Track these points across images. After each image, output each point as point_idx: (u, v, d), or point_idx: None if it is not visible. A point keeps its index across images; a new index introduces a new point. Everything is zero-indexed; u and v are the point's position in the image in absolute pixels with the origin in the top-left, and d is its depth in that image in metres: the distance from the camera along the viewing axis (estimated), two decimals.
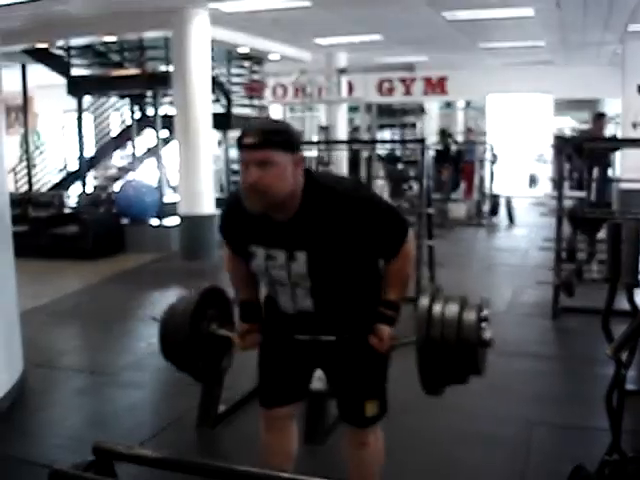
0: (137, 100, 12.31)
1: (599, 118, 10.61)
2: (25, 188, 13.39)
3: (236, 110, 12.52)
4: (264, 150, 2.20)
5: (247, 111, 13.23)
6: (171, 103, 10.50)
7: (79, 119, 12.03)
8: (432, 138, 15.10)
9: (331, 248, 2.35)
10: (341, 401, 2.71)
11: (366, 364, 2.58)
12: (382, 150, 14.58)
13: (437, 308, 2.35)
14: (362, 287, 2.54)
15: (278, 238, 2.38)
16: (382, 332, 2.50)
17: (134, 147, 12.27)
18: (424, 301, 2.39)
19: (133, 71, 11.55)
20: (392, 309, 2.53)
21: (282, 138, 2.25)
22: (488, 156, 13.96)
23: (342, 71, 13.43)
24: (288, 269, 2.40)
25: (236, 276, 2.68)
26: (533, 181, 16.05)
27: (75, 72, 11.94)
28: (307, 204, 2.33)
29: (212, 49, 10.01)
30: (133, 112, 12.48)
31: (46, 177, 13.85)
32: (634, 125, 11.56)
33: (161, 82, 10.80)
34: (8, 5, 8.31)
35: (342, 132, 14.33)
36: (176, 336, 2.63)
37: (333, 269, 2.40)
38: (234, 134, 13.48)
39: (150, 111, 11.95)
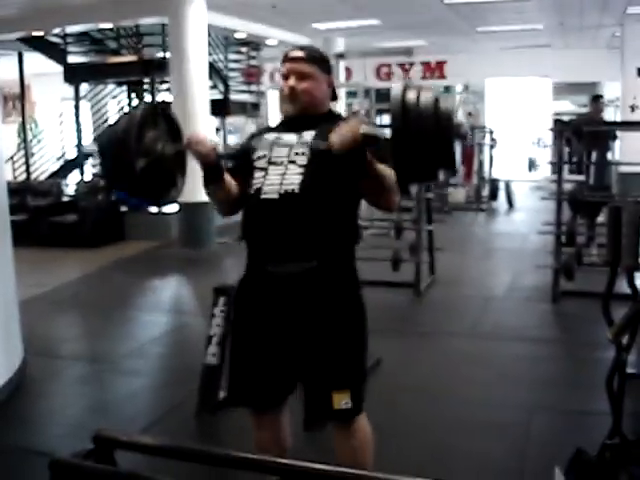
0: (134, 87, 12.27)
1: (596, 100, 10.57)
2: (23, 177, 13.36)
3: (234, 96, 12.48)
4: (307, 64, 2.55)
5: (245, 97, 13.19)
6: (168, 90, 10.46)
7: (76, 107, 11.99)
8: None
9: (331, 163, 2.36)
10: (308, 392, 2.54)
11: (338, 345, 2.46)
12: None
13: (411, 95, 2.17)
14: (343, 211, 2.51)
15: (286, 153, 2.50)
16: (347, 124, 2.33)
17: None
18: (397, 89, 2.19)
19: (130, 58, 11.51)
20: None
21: (322, 59, 2.62)
22: (487, 140, 13.93)
23: (340, 56, 13.36)
24: (290, 147, 2.50)
25: (221, 195, 2.61)
26: (532, 165, 16.01)
27: (72, 60, 11.90)
28: (326, 119, 2.55)
29: (209, 35, 9.96)
30: (130, 99, 12.43)
31: (44, 165, 13.82)
32: (632, 108, 11.52)
33: (158, 69, 10.76)
34: None
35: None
36: (123, 152, 2.40)
37: (328, 175, 2.43)
38: (232, 120, 13.46)
39: (148, 98, 11.91)
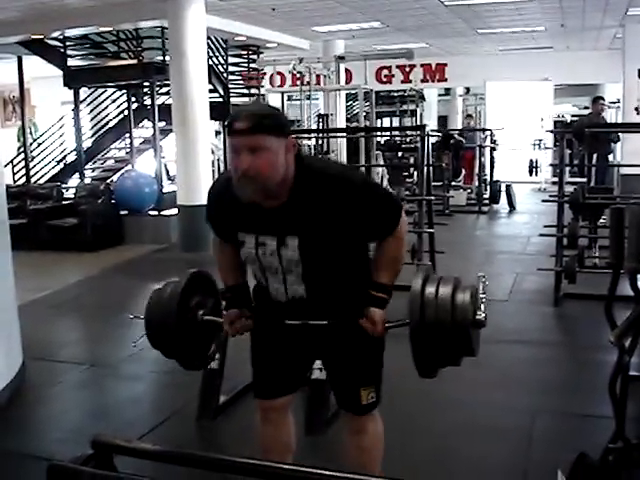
0: (134, 91, 12.26)
1: (595, 101, 10.58)
2: (23, 180, 13.35)
3: (234, 99, 12.48)
4: (255, 135, 2.16)
5: (245, 100, 13.18)
6: (168, 93, 10.45)
7: (76, 110, 11.98)
8: (432, 125, 15.08)
9: (324, 232, 2.31)
10: (337, 389, 2.70)
11: (360, 350, 2.55)
12: (381, 138, 14.53)
13: (430, 289, 2.31)
14: (353, 271, 2.50)
15: (269, 224, 2.34)
16: (373, 315, 2.43)
17: (132, 138, 12.22)
18: (417, 283, 2.34)
19: (130, 61, 11.50)
20: (383, 292, 2.47)
21: (273, 122, 2.21)
22: (488, 142, 13.91)
23: (340, 59, 13.35)
24: (279, 255, 2.36)
25: (224, 263, 2.64)
26: (533, 167, 15.99)
27: (71, 63, 11.88)
28: (299, 189, 2.29)
29: (208, 38, 9.95)
30: (130, 103, 12.42)
31: (44, 169, 13.80)
32: (637, 110, 11.50)
33: (158, 72, 10.76)
34: None
35: (341, 120, 14.28)
36: (163, 322, 2.56)
37: (325, 253, 2.36)
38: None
39: (147, 101, 11.91)
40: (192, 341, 2.63)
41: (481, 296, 2.33)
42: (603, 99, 11.62)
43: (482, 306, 2.31)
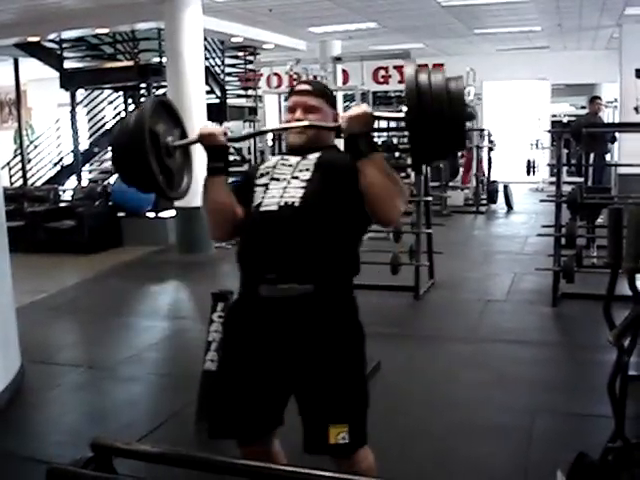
0: (131, 92, 12.27)
1: (594, 101, 10.59)
2: (20, 183, 13.35)
3: (231, 100, 12.48)
4: (314, 97, 2.57)
5: (242, 101, 13.18)
6: (165, 95, 10.45)
7: (73, 112, 11.97)
8: None
9: (336, 180, 2.44)
10: (305, 425, 2.40)
11: (335, 379, 2.35)
12: (378, 138, 14.53)
13: (423, 77, 2.21)
14: (343, 241, 2.46)
15: (289, 171, 2.51)
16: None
17: None
18: (410, 70, 2.24)
19: (126, 63, 11.49)
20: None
21: (328, 93, 2.66)
22: (485, 142, 13.92)
23: (337, 59, 13.35)
24: (296, 166, 2.51)
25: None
26: (531, 167, 16.00)
27: (68, 65, 11.88)
28: (329, 152, 2.56)
29: (205, 39, 9.95)
30: (127, 104, 12.42)
31: (41, 171, 13.80)
32: (636, 109, 11.50)
33: (155, 74, 10.76)
34: None
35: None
36: (134, 150, 2.41)
37: (330, 190, 2.42)
38: (230, 125, 13.45)
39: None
40: (165, 168, 2.51)
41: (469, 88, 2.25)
42: (600, 99, 11.62)
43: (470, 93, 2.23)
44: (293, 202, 2.39)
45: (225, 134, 2.56)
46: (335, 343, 2.38)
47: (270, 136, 9.59)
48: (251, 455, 2.43)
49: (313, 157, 2.51)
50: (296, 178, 2.46)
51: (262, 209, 2.42)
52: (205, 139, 2.54)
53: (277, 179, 2.48)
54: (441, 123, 2.17)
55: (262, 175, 2.54)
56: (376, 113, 2.36)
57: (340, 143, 2.50)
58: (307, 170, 2.47)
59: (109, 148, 2.36)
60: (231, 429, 2.46)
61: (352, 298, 2.49)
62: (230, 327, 2.57)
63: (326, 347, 2.36)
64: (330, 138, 2.62)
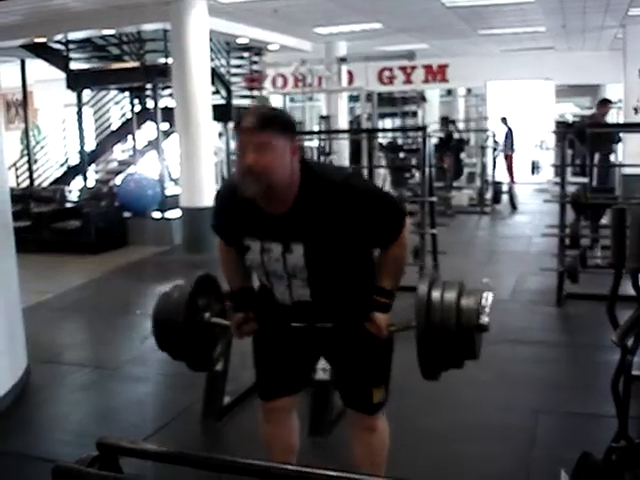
0: (137, 93, 12.28)
1: (604, 104, 10.55)
2: (26, 183, 13.37)
3: (236, 101, 12.49)
4: (263, 133, 2.19)
5: (247, 102, 13.19)
6: (171, 95, 10.46)
7: (79, 113, 11.99)
8: (434, 126, 15.09)
9: (329, 238, 2.33)
10: (347, 389, 2.70)
11: (370, 351, 2.57)
12: (383, 139, 14.54)
13: (435, 294, 2.37)
14: (358, 276, 2.52)
15: (274, 231, 2.35)
16: (378, 320, 2.49)
17: (135, 140, 12.23)
18: (423, 287, 2.41)
19: (132, 64, 11.50)
20: (386, 296, 2.51)
21: (280, 123, 2.24)
22: (490, 143, 13.92)
23: (342, 60, 13.37)
24: (284, 261, 2.38)
25: (229, 267, 2.66)
26: (535, 168, 15.99)
27: (74, 66, 11.90)
28: (303, 196, 2.30)
29: (211, 40, 9.96)
30: (133, 105, 12.44)
31: (47, 172, 13.83)
32: (635, 110, 11.49)
33: (160, 74, 10.76)
34: None
35: (343, 121, 14.29)
36: (171, 325, 2.60)
37: (330, 259, 2.38)
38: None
39: (150, 104, 11.92)
40: (199, 342, 2.66)
41: (486, 301, 2.36)
42: (611, 102, 11.57)
43: (486, 310, 2.34)
44: (306, 300, 2.48)
45: (253, 319, 2.63)
46: (360, 320, 2.53)
47: None
48: (272, 416, 2.74)
49: (291, 217, 2.32)
50: (294, 277, 2.41)
51: (276, 297, 2.52)
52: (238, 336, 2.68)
53: (274, 273, 2.44)
54: (448, 337, 2.34)
55: (250, 256, 2.45)
56: (392, 328, 2.54)
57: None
58: (302, 267, 2.38)
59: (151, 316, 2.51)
60: (268, 384, 2.72)
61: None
62: (263, 304, 2.64)
63: (358, 325, 2.52)
64: (294, 173, 2.28)
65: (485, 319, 2.33)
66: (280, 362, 2.66)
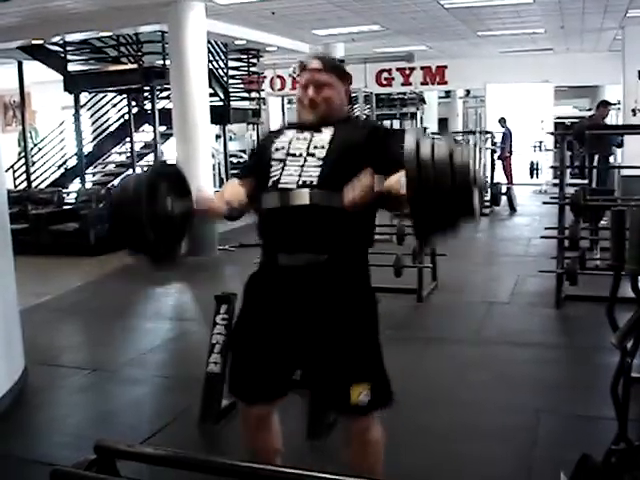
0: (134, 95, 12.29)
1: (604, 106, 10.56)
2: (24, 185, 13.37)
3: (234, 103, 12.50)
4: (325, 73, 2.60)
5: (245, 104, 13.20)
6: (168, 97, 10.47)
7: (77, 115, 11.99)
8: (433, 127, 15.11)
9: (351, 151, 2.48)
10: (322, 385, 2.55)
11: (349, 340, 2.45)
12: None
13: (425, 149, 2.11)
14: (358, 214, 2.44)
15: (305, 147, 2.53)
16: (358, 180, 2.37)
17: (132, 142, 12.23)
18: (410, 139, 2.14)
19: (130, 66, 11.53)
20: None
21: (341, 69, 2.70)
22: (489, 145, 13.91)
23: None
24: (310, 140, 2.53)
25: (227, 188, 2.70)
26: (534, 169, 16.00)
27: (72, 68, 11.91)
28: (343, 124, 2.60)
29: (209, 42, 9.97)
30: (131, 107, 12.44)
31: (45, 174, 13.83)
32: (634, 111, 11.50)
33: (158, 76, 10.79)
34: (3, 1, 8.27)
35: None
36: (131, 213, 2.42)
37: (347, 162, 2.45)
38: (233, 127, 13.48)
39: (148, 106, 11.93)
40: (163, 231, 2.51)
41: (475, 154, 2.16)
42: (610, 104, 11.57)
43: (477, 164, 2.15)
44: (311, 181, 2.45)
45: (229, 203, 2.57)
46: (350, 307, 2.50)
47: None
48: (251, 421, 2.64)
49: (327, 133, 2.54)
50: (312, 155, 2.50)
51: (281, 186, 2.48)
52: (200, 214, 2.68)
53: (293, 154, 2.52)
54: (444, 197, 2.10)
55: (277, 150, 2.57)
56: (380, 185, 2.31)
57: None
58: (322, 148, 2.50)
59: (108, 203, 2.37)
60: (244, 386, 2.63)
61: (366, 267, 2.62)
62: (249, 293, 2.64)
63: (341, 311, 2.48)
64: (344, 109, 2.68)
65: (480, 176, 2.15)
66: (264, 364, 2.54)
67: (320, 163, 2.47)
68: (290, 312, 2.50)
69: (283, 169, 2.50)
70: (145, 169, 2.61)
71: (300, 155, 2.51)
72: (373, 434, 2.54)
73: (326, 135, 2.54)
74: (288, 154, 2.53)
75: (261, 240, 2.61)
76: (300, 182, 2.46)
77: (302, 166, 2.48)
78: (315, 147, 2.51)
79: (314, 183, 2.45)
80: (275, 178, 2.50)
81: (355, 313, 2.51)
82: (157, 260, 2.62)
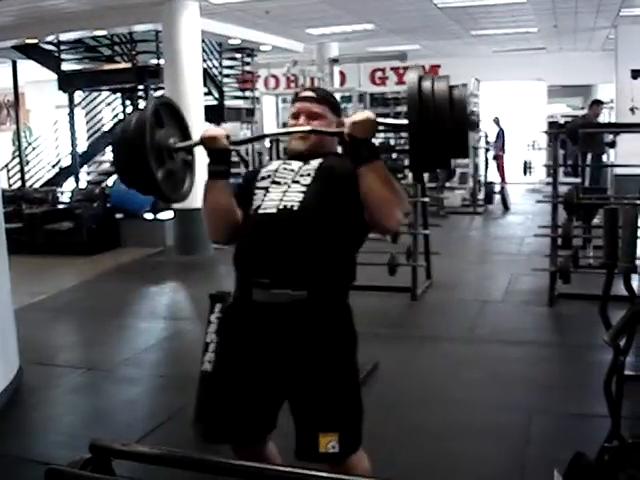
0: (129, 94, 12.27)
1: (596, 105, 10.58)
2: (18, 184, 13.34)
3: (228, 102, 12.48)
4: (319, 104, 2.57)
5: (240, 103, 13.19)
6: (165, 96, 10.45)
7: (71, 114, 11.97)
8: None
9: (337, 184, 2.42)
10: (297, 432, 2.40)
11: (326, 386, 2.34)
12: (376, 139, 14.52)
13: (426, 84, 2.18)
14: (340, 247, 2.43)
15: (291, 176, 2.49)
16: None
17: None
18: (412, 78, 2.21)
19: (124, 65, 11.50)
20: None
21: (333, 102, 2.66)
22: (482, 143, 13.94)
23: (334, 61, 13.37)
24: (297, 170, 2.49)
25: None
26: (527, 168, 16.03)
27: (66, 67, 11.88)
28: (329, 159, 2.54)
29: (203, 41, 9.96)
30: (125, 106, 12.42)
31: (39, 173, 13.80)
32: (632, 110, 11.52)
33: (152, 75, 10.76)
34: None
35: None
36: (133, 147, 2.40)
37: (330, 195, 2.40)
38: (227, 126, 13.46)
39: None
40: (166, 170, 2.51)
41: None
42: (602, 103, 11.60)
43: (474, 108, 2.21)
44: (292, 206, 2.38)
45: (228, 137, 2.53)
46: (327, 350, 2.37)
47: (268, 138, 9.59)
48: (245, 458, 2.32)
49: (315, 162, 2.49)
50: (297, 182, 2.44)
51: (261, 211, 2.42)
52: (207, 142, 2.54)
53: (278, 182, 2.47)
54: (443, 131, 2.15)
55: (263, 178, 2.52)
56: (379, 119, 2.36)
57: (339, 149, 2.54)
58: (308, 175, 2.45)
59: (109, 149, 2.29)
60: (225, 433, 2.47)
61: (346, 305, 2.48)
62: (224, 331, 2.58)
63: (318, 354, 2.36)
64: (333, 145, 2.62)
65: (474, 110, 2.21)
66: (244, 405, 2.41)
67: (304, 189, 2.41)
68: (267, 353, 2.38)
69: (265, 195, 2.45)
70: (144, 106, 2.54)
71: (285, 183, 2.46)
72: (357, 471, 2.36)
73: (313, 165, 2.49)
74: (273, 182, 2.49)
75: (236, 272, 2.50)
76: (281, 206, 2.39)
77: (285, 192, 2.43)
78: (301, 175, 2.47)
79: (295, 208, 2.37)
80: (257, 205, 2.45)
81: (331, 358, 2.37)
82: (166, 198, 2.63)
